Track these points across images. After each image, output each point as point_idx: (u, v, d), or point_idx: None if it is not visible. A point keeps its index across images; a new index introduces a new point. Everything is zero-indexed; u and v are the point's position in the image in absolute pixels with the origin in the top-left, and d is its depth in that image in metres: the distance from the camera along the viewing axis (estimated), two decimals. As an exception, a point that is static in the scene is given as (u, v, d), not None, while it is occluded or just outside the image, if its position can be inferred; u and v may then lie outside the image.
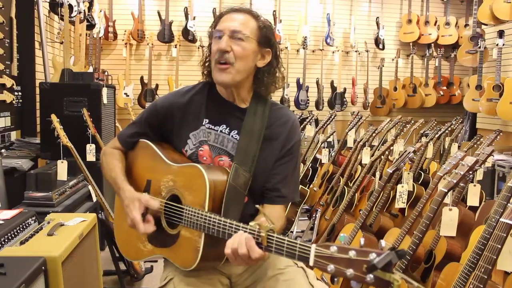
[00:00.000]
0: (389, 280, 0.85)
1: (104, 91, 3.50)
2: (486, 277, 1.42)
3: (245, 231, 1.14)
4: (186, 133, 1.48)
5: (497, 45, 4.68)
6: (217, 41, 1.41)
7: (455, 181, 1.82)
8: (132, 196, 1.40)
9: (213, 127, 1.47)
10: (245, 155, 1.40)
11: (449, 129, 4.00)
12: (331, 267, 0.93)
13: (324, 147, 4.37)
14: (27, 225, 1.89)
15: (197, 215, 1.28)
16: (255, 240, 1.11)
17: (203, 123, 1.48)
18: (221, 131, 1.46)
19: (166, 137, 1.54)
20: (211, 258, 1.32)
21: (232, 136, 1.45)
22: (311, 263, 0.98)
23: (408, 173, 2.97)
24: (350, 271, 0.90)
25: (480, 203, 2.60)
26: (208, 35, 1.50)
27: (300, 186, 3.88)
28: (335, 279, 0.95)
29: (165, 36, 5.69)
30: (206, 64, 1.51)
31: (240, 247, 1.12)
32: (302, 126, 4.75)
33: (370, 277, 0.87)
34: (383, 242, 0.90)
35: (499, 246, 1.42)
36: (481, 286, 1.42)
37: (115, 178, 1.49)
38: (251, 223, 1.13)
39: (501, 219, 1.45)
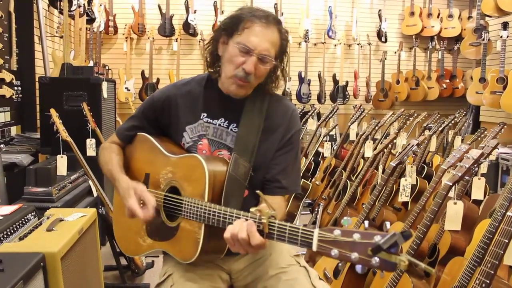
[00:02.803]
0: (395, 262, 0.82)
1: (104, 85, 3.48)
2: (492, 272, 1.40)
3: (246, 219, 1.12)
4: (183, 126, 1.46)
5: (501, 37, 4.63)
6: (242, 54, 1.34)
7: (460, 175, 1.79)
8: (128, 185, 1.38)
9: (211, 120, 1.45)
10: (245, 145, 1.38)
11: (452, 122, 3.96)
12: (335, 251, 0.90)
13: (326, 141, 4.34)
14: (26, 220, 1.87)
15: (196, 206, 1.26)
16: (256, 227, 1.09)
17: (201, 117, 1.45)
18: (219, 124, 1.44)
19: (164, 130, 1.52)
20: (211, 250, 1.30)
21: (231, 129, 1.44)
22: (314, 248, 0.95)
23: (412, 167, 2.94)
24: (354, 255, 0.87)
25: (484, 196, 2.57)
26: (222, 27, 1.40)
27: (302, 180, 3.86)
28: (340, 265, 0.92)
29: (166, 30, 5.65)
30: (214, 55, 1.45)
31: (240, 232, 1.09)
32: (304, 120, 4.72)
33: (375, 260, 0.84)
34: (388, 224, 0.87)
35: (506, 241, 1.39)
36: (488, 281, 1.40)
37: (111, 170, 1.47)
38: (252, 209, 1.11)
39: (508, 213, 1.42)
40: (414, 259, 0.83)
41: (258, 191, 1.16)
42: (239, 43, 1.34)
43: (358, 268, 0.87)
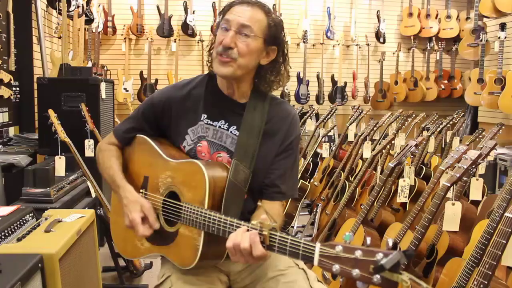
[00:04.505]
0: (397, 281, 0.82)
1: (103, 86, 3.47)
2: (490, 273, 1.40)
3: (247, 229, 1.11)
4: (184, 128, 1.45)
5: (499, 38, 4.64)
6: (222, 32, 1.35)
7: (458, 175, 1.79)
8: (134, 198, 1.37)
9: (211, 122, 1.44)
10: (245, 151, 1.37)
11: (451, 123, 3.97)
12: (336, 267, 0.90)
13: (324, 142, 4.35)
14: (24, 221, 1.86)
15: (196, 213, 1.24)
16: (259, 238, 1.07)
17: (202, 119, 1.44)
18: (219, 126, 1.43)
19: (163, 132, 1.50)
20: (210, 256, 1.29)
21: (231, 132, 1.42)
22: (315, 263, 0.94)
23: (410, 167, 2.95)
24: (356, 272, 0.86)
25: (482, 197, 2.58)
26: (216, 23, 1.46)
27: (301, 180, 3.86)
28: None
29: (165, 30, 5.65)
30: (211, 52, 1.45)
31: (243, 241, 1.08)
32: (302, 120, 4.72)
33: (377, 277, 0.83)
34: (390, 241, 0.86)
35: (504, 242, 1.40)
36: (485, 282, 1.40)
37: (113, 176, 1.45)
38: (253, 221, 1.10)
39: (506, 214, 1.42)
40: (416, 278, 0.82)
41: (259, 203, 1.15)
42: (220, 22, 1.37)
43: (359, 284, 0.87)
